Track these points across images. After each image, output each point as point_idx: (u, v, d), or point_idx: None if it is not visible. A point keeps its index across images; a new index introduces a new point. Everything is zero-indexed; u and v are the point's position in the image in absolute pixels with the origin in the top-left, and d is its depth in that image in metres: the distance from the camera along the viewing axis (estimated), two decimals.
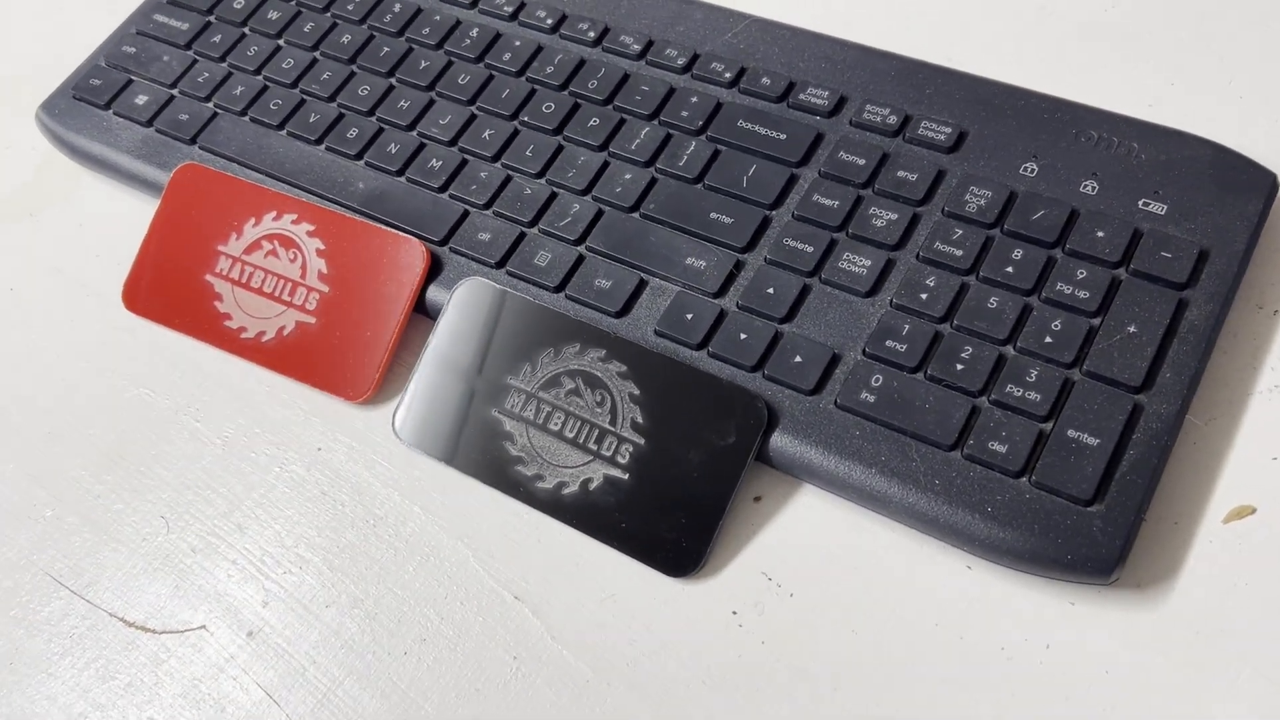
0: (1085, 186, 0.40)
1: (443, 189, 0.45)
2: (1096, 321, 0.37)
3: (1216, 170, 0.39)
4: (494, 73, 0.48)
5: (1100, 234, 0.38)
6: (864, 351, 0.38)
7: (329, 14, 0.51)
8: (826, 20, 0.48)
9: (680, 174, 0.43)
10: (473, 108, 0.47)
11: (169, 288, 0.45)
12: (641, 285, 0.41)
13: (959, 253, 0.39)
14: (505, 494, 0.39)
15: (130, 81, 0.51)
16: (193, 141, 0.49)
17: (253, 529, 0.40)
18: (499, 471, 0.39)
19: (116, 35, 0.53)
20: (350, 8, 0.51)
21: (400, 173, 0.46)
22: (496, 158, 0.45)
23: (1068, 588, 0.35)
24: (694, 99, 0.45)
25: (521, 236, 0.43)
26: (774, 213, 0.42)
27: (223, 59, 0.51)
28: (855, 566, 0.36)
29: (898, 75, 0.44)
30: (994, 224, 0.40)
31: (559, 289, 0.41)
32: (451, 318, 0.41)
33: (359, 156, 0.47)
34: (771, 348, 0.38)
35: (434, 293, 0.42)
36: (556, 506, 0.38)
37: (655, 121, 0.45)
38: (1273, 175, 0.39)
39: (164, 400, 0.44)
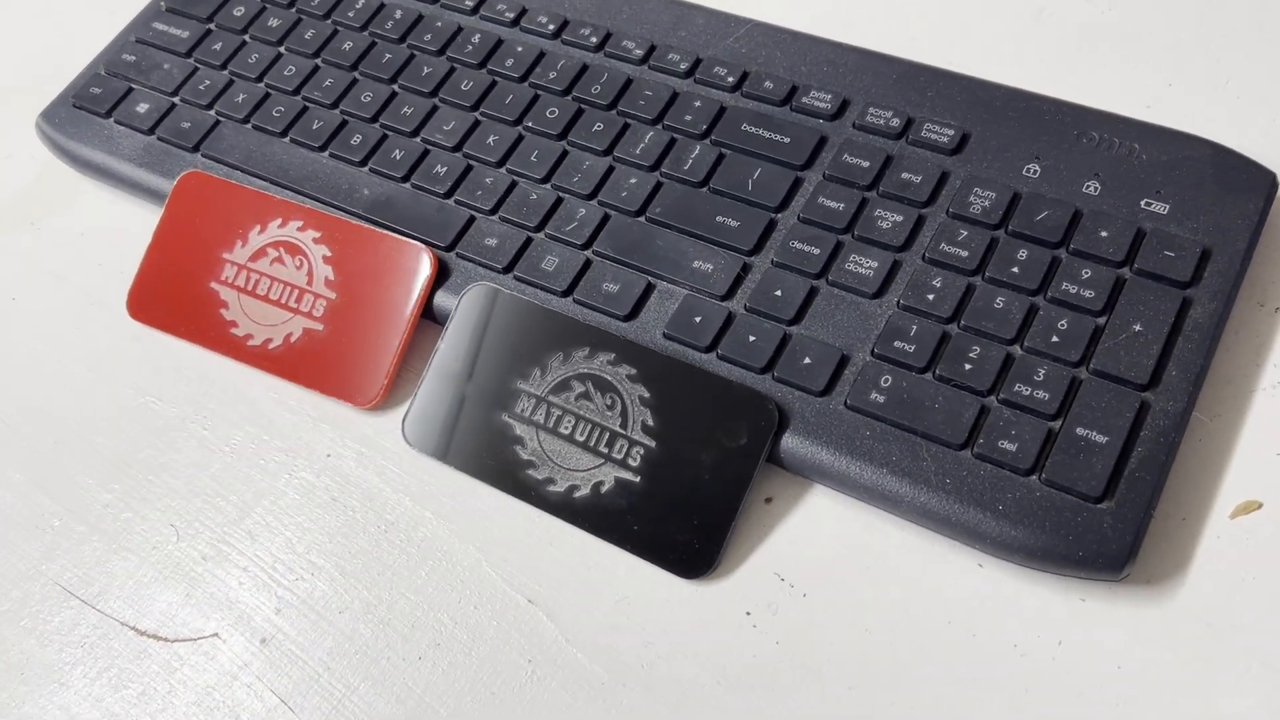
0: (1088, 187, 0.40)
1: (448, 195, 0.45)
2: (1102, 321, 0.37)
3: (1217, 170, 0.40)
4: (497, 79, 0.48)
5: (1104, 234, 0.39)
6: (872, 352, 0.38)
7: (329, 21, 0.52)
8: (826, 24, 0.49)
9: (685, 178, 0.43)
10: (476, 114, 0.47)
11: (174, 295, 0.45)
12: (649, 289, 0.41)
13: (964, 254, 0.39)
14: (516, 498, 0.39)
15: (131, 90, 0.51)
16: (195, 149, 0.49)
17: (263, 536, 0.40)
18: (510, 476, 0.39)
19: (116, 43, 0.53)
20: (351, 15, 0.51)
21: (405, 179, 0.46)
22: (501, 163, 0.45)
23: (1078, 585, 0.35)
24: (697, 103, 0.45)
25: (528, 241, 0.43)
26: (780, 215, 0.42)
27: (224, 66, 0.51)
28: (867, 566, 0.36)
29: (899, 78, 0.45)
30: (998, 225, 0.40)
31: (567, 293, 0.42)
32: (460, 323, 0.41)
33: (363, 163, 0.47)
34: (780, 349, 0.39)
35: (441, 298, 0.43)
36: (568, 510, 0.38)
37: (659, 126, 0.45)
38: (1272, 174, 0.40)
39: (170, 408, 0.44)
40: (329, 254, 0.44)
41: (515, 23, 0.50)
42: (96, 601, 0.40)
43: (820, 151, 0.43)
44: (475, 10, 0.50)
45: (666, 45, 0.47)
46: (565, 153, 0.45)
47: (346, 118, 0.48)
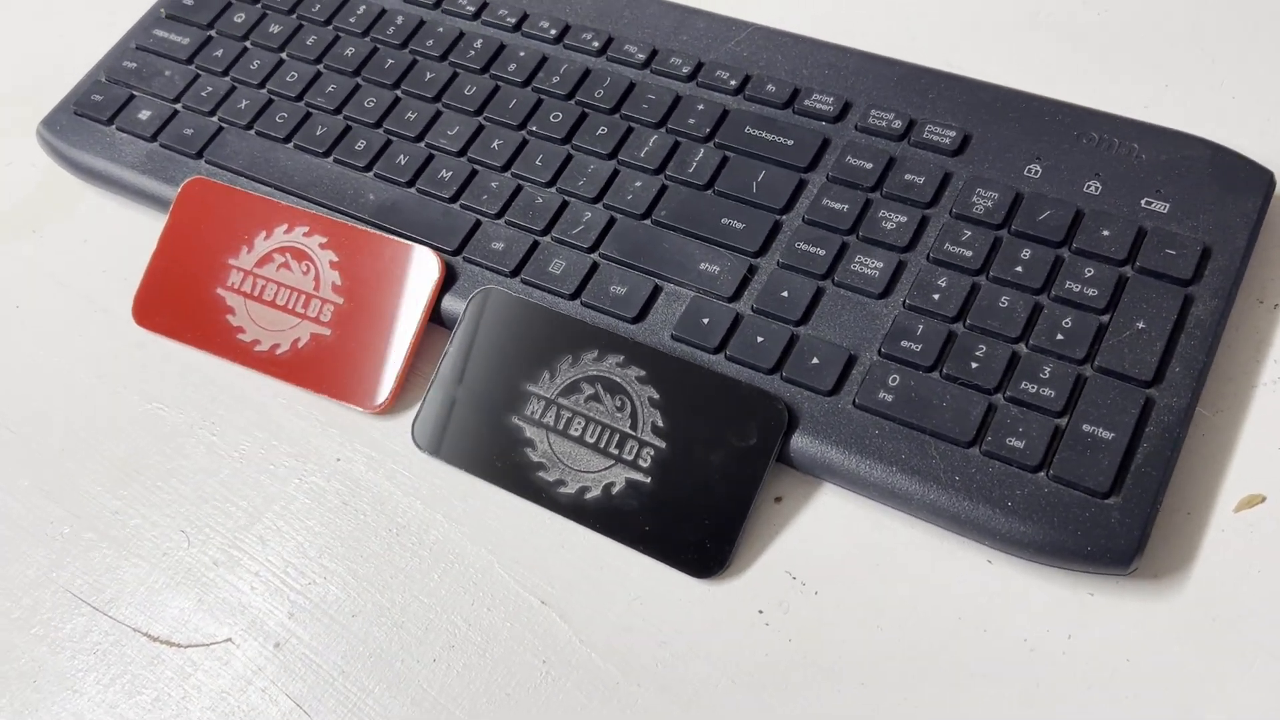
0: (1089, 187, 0.41)
1: (454, 199, 0.45)
2: (1106, 318, 0.38)
3: (1216, 169, 0.40)
4: (500, 83, 0.48)
5: (1106, 233, 0.39)
6: (880, 352, 0.39)
7: (330, 27, 0.52)
8: (827, 27, 0.49)
9: (690, 180, 0.44)
10: (480, 118, 0.47)
11: (180, 302, 0.46)
12: (656, 291, 0.41)
13: (969, 253, 0.40)
14: (528, 500, 0.39)
15: (132, 96, 0.51)
16: (199, 155, 0.49)
17: (274, 541, 0.40)
18: (520, 478, 0.39)
19: (117, 50, 0.53)
20: (352, 20, 0.51)
21: (410, 184, 0.46)
22: (506, 167, 0.46)
23: (1086, 579, 0.36)
24: (700, 106, 0.45)
25: (535, 245, 0.43)
26: (784, 217, 0.42)
27: (226, 73, 0.51)
28: (877, 564, 0.37)
29: (900, 80, 0.45)
30: (1001, 225, 0.40)
31: (574, 296, 0.42)
32: (468, 326, 0.42)
33: (368, 168, 0.47)
34: (788, 350, 0.39)
35: (449, 302, 0.43)
36: (580, 511, 0.39)
37: (663, 129, 0.45)
38: (1270, 173, 0.40)
39: (177, 414, 0.44)
40: (336, 259, 0.44)
41: (517, 28, 0.50)
42: (108, 608, 0.40)
43: (823, 154, 0.44)
44: (476, 16, 0.51)
45: (668, 49, 0.48)
46: (570, 156, 0.45)
47: (350, 123, 0.48)
